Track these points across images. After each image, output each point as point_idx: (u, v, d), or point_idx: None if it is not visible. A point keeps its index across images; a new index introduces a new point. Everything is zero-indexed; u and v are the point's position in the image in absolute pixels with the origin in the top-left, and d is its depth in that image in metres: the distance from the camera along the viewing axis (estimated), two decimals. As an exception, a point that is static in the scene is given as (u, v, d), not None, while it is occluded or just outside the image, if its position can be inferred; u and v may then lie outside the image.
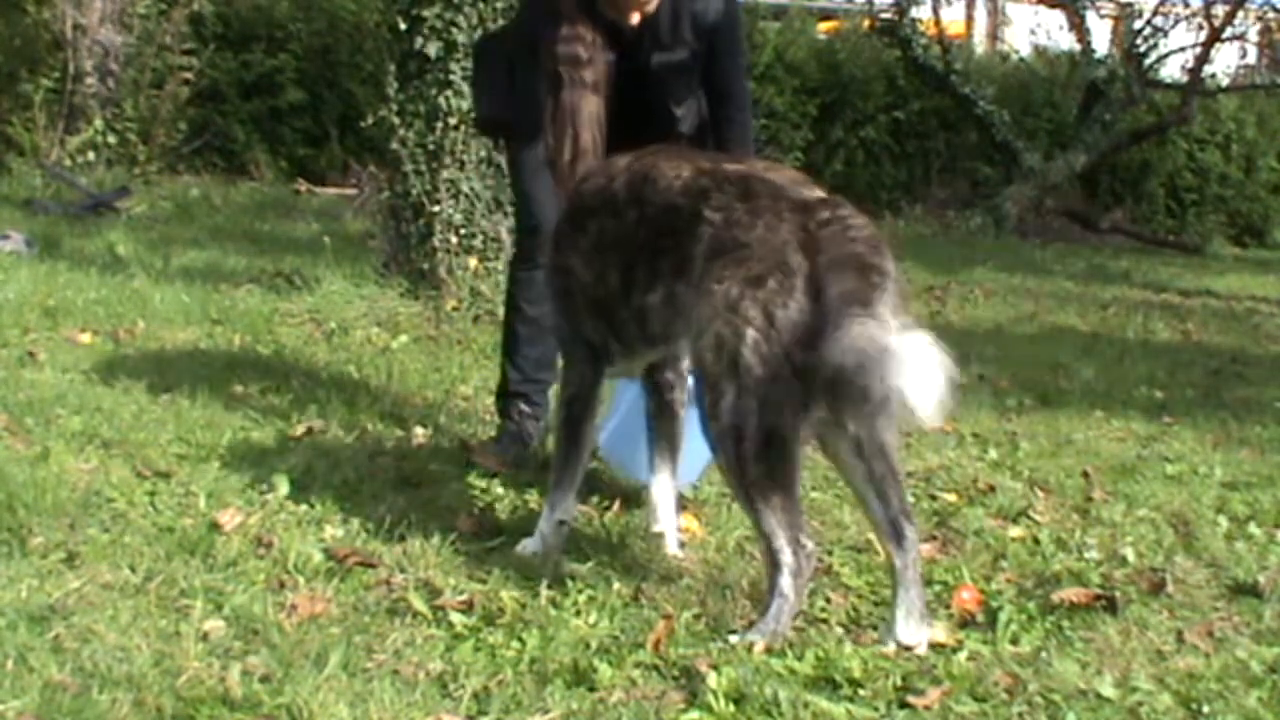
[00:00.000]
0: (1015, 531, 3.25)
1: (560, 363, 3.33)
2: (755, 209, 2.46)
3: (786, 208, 2.45)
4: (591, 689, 2.27)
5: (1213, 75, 14.29)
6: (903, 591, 2.49)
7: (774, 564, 2.47)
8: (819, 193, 2.54)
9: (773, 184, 2.53)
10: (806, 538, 2.47)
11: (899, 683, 2.34)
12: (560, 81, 3.20)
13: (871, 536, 3.07)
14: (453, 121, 5.85)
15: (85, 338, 4.85)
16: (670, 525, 2.98)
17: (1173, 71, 14.10)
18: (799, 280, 2.37)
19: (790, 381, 2.37)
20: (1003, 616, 2.62)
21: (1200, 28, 13.65)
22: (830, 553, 2.99)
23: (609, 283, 2.77)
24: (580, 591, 2.68)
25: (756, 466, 2.43)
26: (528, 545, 2.93)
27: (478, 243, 5.96)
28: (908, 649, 2.46)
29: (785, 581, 2.45)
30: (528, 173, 3.53)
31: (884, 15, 13.25)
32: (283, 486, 3.22)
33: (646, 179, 2.71)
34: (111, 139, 10.18)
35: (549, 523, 2.96)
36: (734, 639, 2.46)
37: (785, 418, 2.39)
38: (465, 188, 5.92)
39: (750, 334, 2.39)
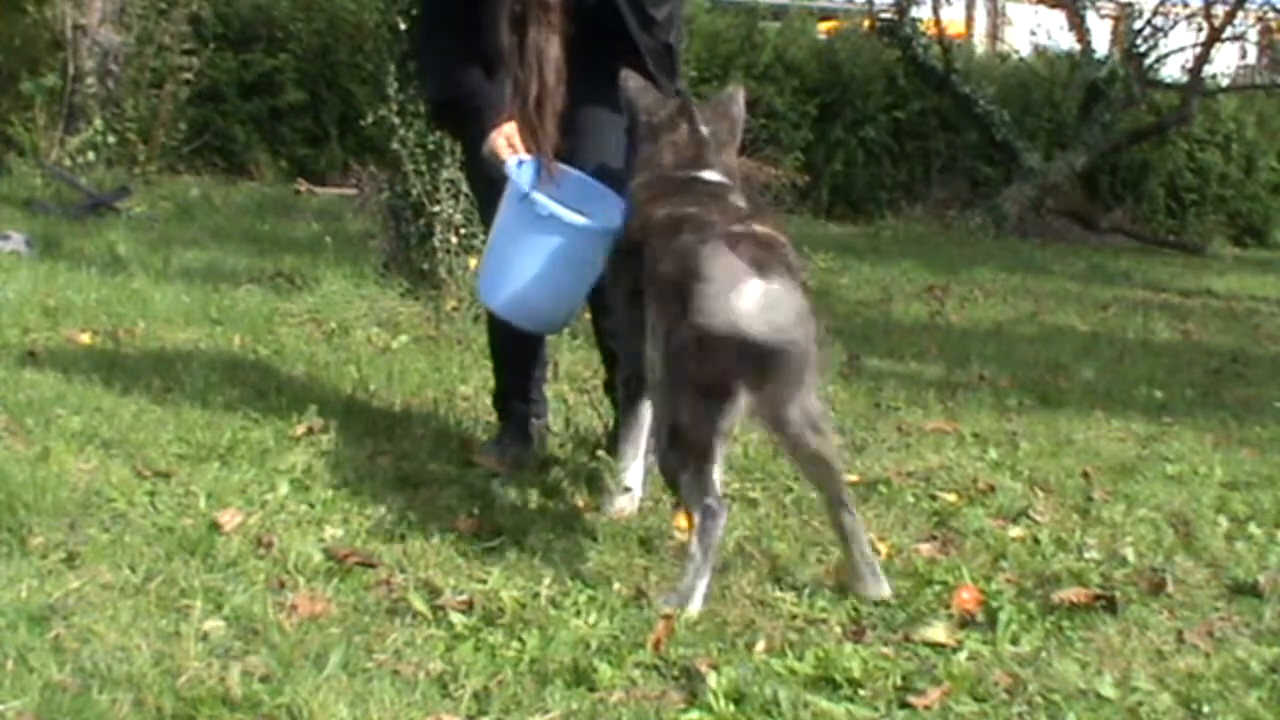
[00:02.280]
0: (1015, 531, 3.25)
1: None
2: (670, 246, 2.76)
3: (697, 239, 2.73)
4: (591, 689, 2.27)
5: (1213, 75, 14.29)
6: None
7: (693, 528, 2.65)
8: (750, 229, 2.78)
9: (703, 219, 2.81)
10: (712, 499, 2.63)
11: (899, 683, 2.34)
12: (526, 22, 3.21)
13: (871, 536, 3.08)
14: (453, 121, 5.85)
15: (85, 338, 4.85)
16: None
17: (1173, 71, 14.10)
18: (691, 302, 2.62)
19: (691, 386, 2.62)
20: (1003, 616, 2.62)
21: (1200, 28, 13.65)
22: (828, 553, 2.99)
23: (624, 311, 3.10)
24: (580, 591, 2.69)
25: (669, 455, 2.70)
26: (606, 507, 3.21)
27: (478, 243, 5.94)
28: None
29: (693, 542, 2.63)
30: (486, 168, 3.42)
31: (884, 15, 13.26)
32: (283, 486, 3.22)
33: (647, 226, 3.00)
34: (111, 139, 10.18)
35: (617, 489, 3.21)
36: (659, 601, 2.59)
37: (683, 416, 2.64)
38: (465, 188, 5.91)
39: (657, 353, 2.72)
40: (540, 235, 3.22)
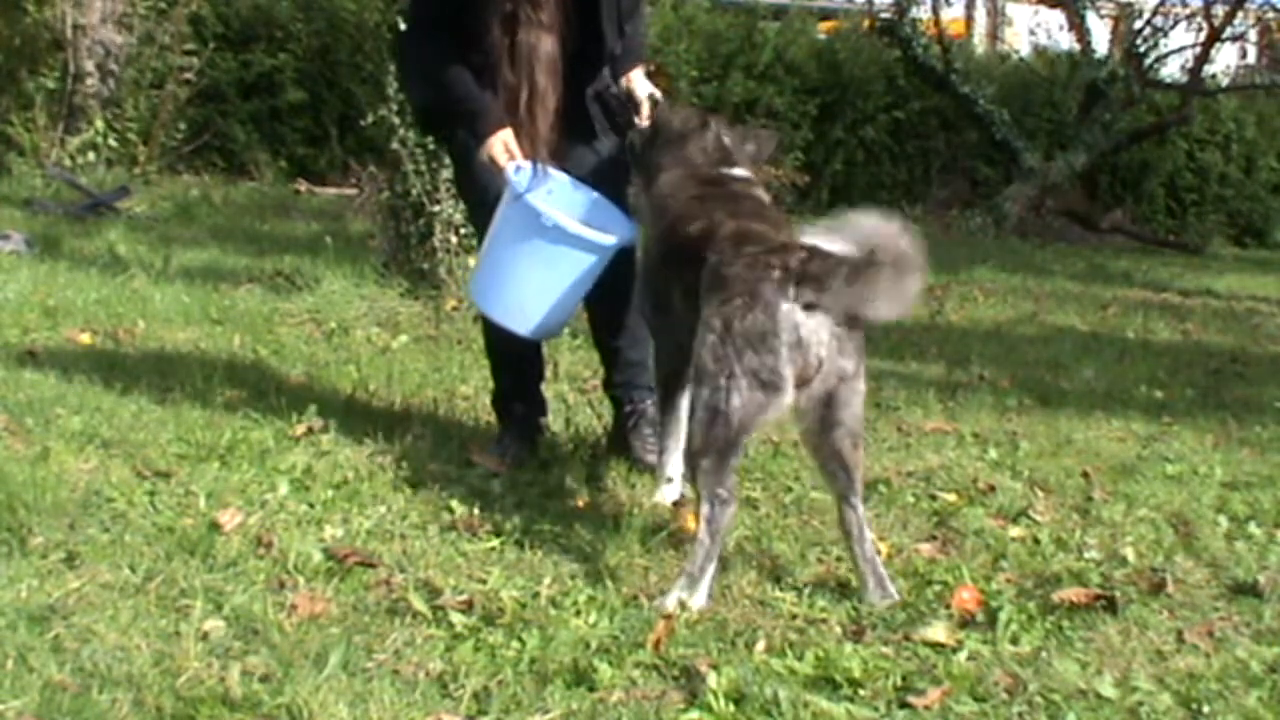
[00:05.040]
0: (1015, 531, 3.25)
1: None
2: (740, 253, 2.84)
3: (763, 250, 2.82)
4: (591, 689, 2.27)
5: (1213, 75, 14.29)
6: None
7: (699, 517, 2.72)
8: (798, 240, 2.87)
9: (761, 234, 2.92)
10: (724, 490, 2.71)
11: (899, 683, 2.34)
12: (517, 21, 3.22)
13: (871, 536, 3.08)
14: (453, 121, 5.85)
15: (85, 338, 4.85)
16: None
17: (1173, 71, 14.10)
18: (761, 302, 2.70)
19: (740, 377, 2.68)
20: (1003, 616, 2.63)
21: (1200, 28, 13.65)
22: (828, 553, 2.99)
23: (678, 308, 3.12)
24: (580, 591, 2.69)
25: (698, 438, 2.74)
26: (657, 497, 3.28)
27: (477, 243, 5.93)
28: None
29: (702, 529, 2.68)
30: (478, 168, 3.44)
31: (884, 15, 13.25)
32: (283, 486, 3.22)
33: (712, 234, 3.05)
34: (112, 139, 10.18)
35: (661, 478, 3.26)
36: (657, 602, 2.62)
37: (730, 402, 2.69)
38: (465, 188, 5.91)
39: (710, 339, 2.75)
40: (542, 243, 3.23)
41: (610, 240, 3.28)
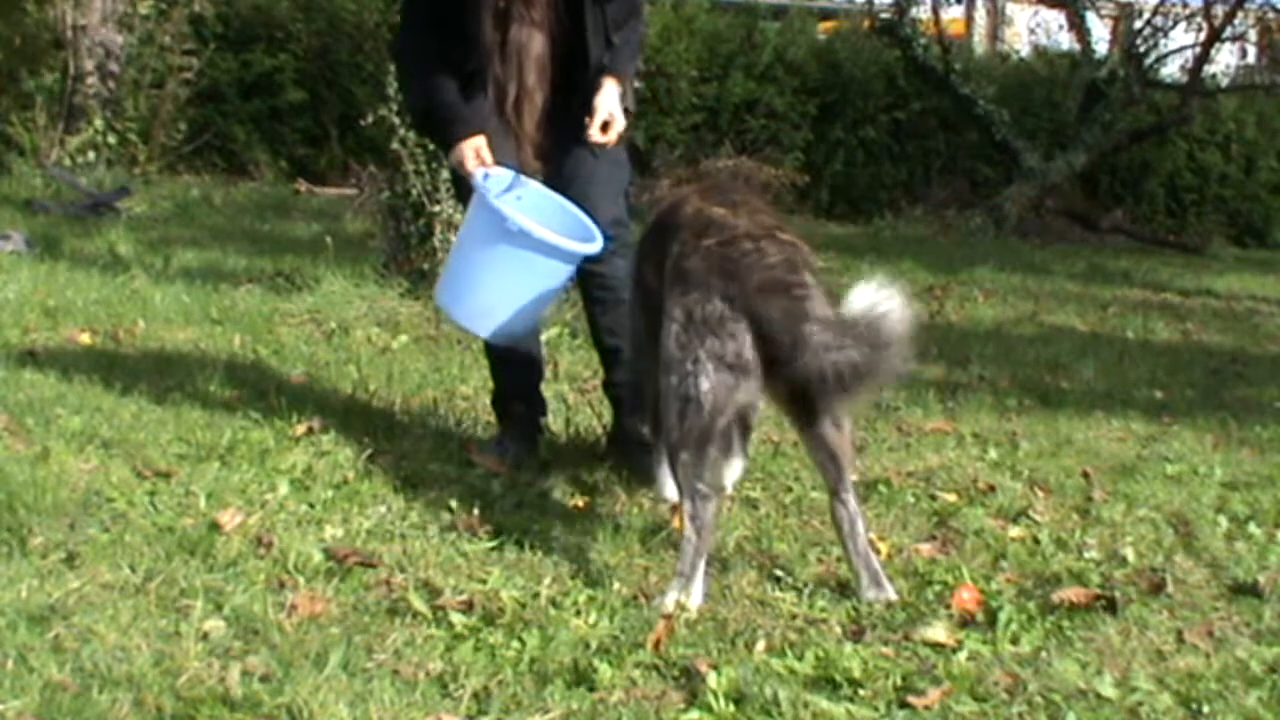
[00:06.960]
0: (1015, 531, 3.25)
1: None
2: (697, 246, 2.82)
3: (716, 242, 2.81)
4: (591, 689, 2.28)
5: (1213, 75, 14.28)
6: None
7: (684, 515, 2.73)
8: (765, 229, 2.86)
9: (722, 223, 2.87)
10: (704, 484, 2.70)
11: (899, 683, 2.34)
12: (509, 17, 3.23)
13: (871, 536, 3.08)
14: (453, 121, 5.85)
15: (85, 338, 4.85)
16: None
17: (1173, 71, 14.09)
18: (717, 293, 2.71)
19: (706, 361, 2.67)
20: (1003, 616, 2.63)
21: (1200, 28, 13.64)
22: (828, 553, 2.99)
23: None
24: (580, 591, 2.69)
25: (674, 430, 2.72)
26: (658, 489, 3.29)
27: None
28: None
29: (687, 527, 2.69)
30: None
31: (884, 15, 13.24)
32: (283, 486, 3.22)
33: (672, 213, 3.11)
34: (111, 139, 10.19)
35: (661, 482, 3.23)
36: (656, 603, 2.62)
37: (700, 386, 2.67)
38: (465, 187, 5.92)
39: (674, 328, 2.75)
40: (506, 248, 3.21)
41: (575, 247, 3.27)
